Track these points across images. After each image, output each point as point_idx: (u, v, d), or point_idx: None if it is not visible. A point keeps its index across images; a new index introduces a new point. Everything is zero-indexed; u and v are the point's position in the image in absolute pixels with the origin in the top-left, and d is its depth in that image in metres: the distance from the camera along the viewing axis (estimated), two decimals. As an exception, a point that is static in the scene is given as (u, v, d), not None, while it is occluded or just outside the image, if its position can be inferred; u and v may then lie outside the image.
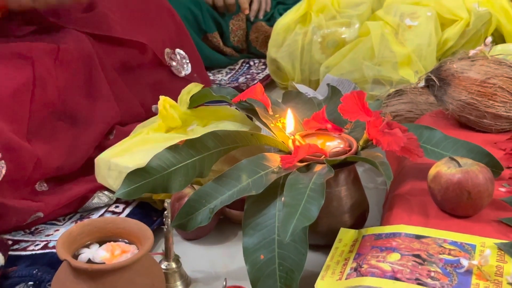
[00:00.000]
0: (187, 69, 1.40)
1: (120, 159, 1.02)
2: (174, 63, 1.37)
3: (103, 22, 1.23)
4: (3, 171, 0.97)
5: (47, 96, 1.07)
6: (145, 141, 1.06)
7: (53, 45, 1.12)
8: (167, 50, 1.36)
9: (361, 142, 0.96)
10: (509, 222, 0.85)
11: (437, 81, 1.12)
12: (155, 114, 1.24)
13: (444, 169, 0.88)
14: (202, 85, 1.19)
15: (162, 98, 1.07)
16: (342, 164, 0.94)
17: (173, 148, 0.93)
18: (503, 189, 0.93)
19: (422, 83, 1.19)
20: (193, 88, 1.17)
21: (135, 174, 0.91)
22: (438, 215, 0.88)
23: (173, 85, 1.33)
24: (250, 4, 1.77)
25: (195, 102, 1.13)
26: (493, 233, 0.84)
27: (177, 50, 1.39)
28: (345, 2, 1.58)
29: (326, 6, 1.55)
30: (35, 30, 1.21)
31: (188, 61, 1.40)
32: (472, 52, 1.13)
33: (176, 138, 1.04)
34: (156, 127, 1.10)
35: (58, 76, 1.10)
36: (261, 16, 1.76)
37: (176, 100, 1.14)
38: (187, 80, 1.37)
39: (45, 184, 1.07)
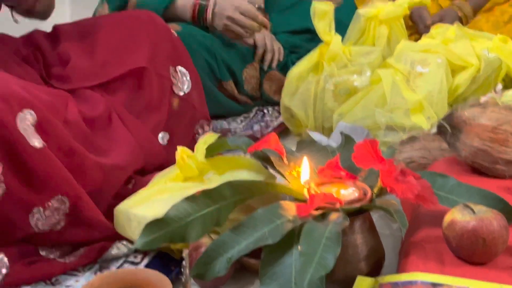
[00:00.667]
0: (187, 87, 1.41)
1: (139, 209, 1.04)
2: (175, 81, 1.39)
3: (98, 68, 1.27)
4: None
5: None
6: (163, 191, 1.08)
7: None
8: (171, 68, 1.39)
9: (375, 190, 0.98)
10: (525, 269, 0.85)
11: (449, 128, 1.14)
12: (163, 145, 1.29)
13: (459, 216, 0.89)
14: (217, 135, 1.21)
15: (179, 148, 1.10)
16: (357, 212, 0.96)
17: (190, 198, 0.95)
18: (518, 235, 0.93)
19: (434, 130, 1.21)
20: (209, 138, 1.20)
21: (154, 225, 0.92)
22: (453, 262, 0.89)
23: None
24: (264, 54, 1.81)
25: (211, 152, 1.16)
26: (509, 280, 0.84)
27: (178, 67, 1.41)
28: (356, 50, 1.62)
29: (337, 55, 1.59)
30: None
31: (188, 78, 1.42)
32: (483, 99, 1.15)
33: (193, 187, 1.06)
34: (174, 176, 1.12)
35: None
36: (274, 65, 1.80)
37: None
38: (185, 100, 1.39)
39: None
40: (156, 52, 1.35)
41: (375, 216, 1.19)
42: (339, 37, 1.61)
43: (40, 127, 1.05)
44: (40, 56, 1.33)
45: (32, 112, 1.05)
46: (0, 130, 1.01)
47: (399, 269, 0.93)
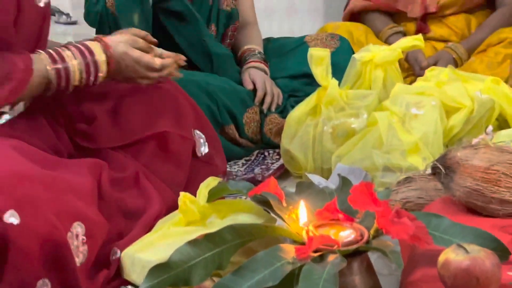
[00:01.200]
0: (204, 149, 1.46)
1: (143, 254, 1.07)
2: (197, 143, 1.44)
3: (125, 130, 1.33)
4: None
5: None
6: (166, 236, 1.11)
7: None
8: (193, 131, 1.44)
9: (372, 231, 1.01)
10: (518, 307, 0.88)
11: (443, 169, 1.17)
12: None
13: (453, 256, 0.91)
14: (220, 179, 1.25)
15: (182, 194, 1.14)
16: (355, 253, 0.99)
17: (193, 242, 0.98)
18: (511, 273, 0.96)
19: (429, 171, 1.25)
20: (211, 182, 1.24)
21: (157, 269, 0.95)
22: (449, 301, 0.91)
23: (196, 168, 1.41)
24: (264, 97, 1.86)
25: (213, 196, 1.19)
26: (503, 318, 0.87)
27: (196, 131, 1.46)
28: (353, 94, 1.67)
29: (335, 98, 1.64)
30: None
31: (204, 140, 1.47)
32: (474, 141, 1.19)
33: (195, 231, 1.09)
34: (177, 221, 1.15)
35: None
36: (273, 108, 1.86)
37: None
38: (205, 162, 1.44)
39: None
40: (180, 117, 1.42)
41: (374, 256, 1.21)
42: (335, 81, 1.66)
43: (87, 236, 1.09)
44: (65, 111, 1.36)
45: (82, 225, 1.09)
46: (53, 248, 1.05)
47: (397, 309, 0.95)
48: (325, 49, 1.65)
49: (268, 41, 2.06)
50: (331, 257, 0.93)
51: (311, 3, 5.35)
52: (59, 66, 1.26)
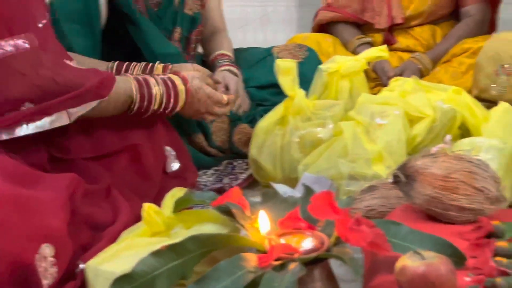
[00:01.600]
0: (174, 166, 1.48)
1: (107, 266, 1.08)
2: (168, 159, 1.46)
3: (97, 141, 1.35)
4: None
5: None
6: (130, 247, 1.12)
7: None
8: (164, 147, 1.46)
9: (332, 239, 1.03)
10: (472, 311, 0.90)
11: (403, 177, 1.20)
12: None
13: (409, 262, 0.94)
14: (185, 189, 1.26)
15: (145, 205, 1.15)
16: (316, 261, 1.01)
17: (156, 253, 0.99)
18: (468, 279, 0.99)
19: (391, 179, 1.27)
20: (177, 192, 1.25)
21: (121, 280, 0.96)
22: (407, 306, 0.94)
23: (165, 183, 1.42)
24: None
25: (178, 207, 1.20)
26: (458, 322, 0.89)
27: (166, 147, 1.47)
28: (320, 104, 1.69)
29: (302, 108, 1.66)
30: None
31: (175, 157, 1.49)
32: (434, 150, 1.22)
33: (160, 242, 1.10)
34: (141, 232, 1.16)
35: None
36: (240, 111, 1.88)
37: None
38: (174, 178, 1.45)
39: None
40: (152, 132, 1.44)
41: (337, 263, 1.23)
42: (302, 91, 1.68)
43: (57, 257, 1.08)
44: None
45: (50, 246, 1.08)
46: (20, 271, 1.04)
47: (357, 315, 0.97)
48: (292, 60, 1.68)
49: (236, 51, 2.09)
50: (291, 266, 0.95)
51: (285, 14, 5.41)
52: (144, 89, 1.38)
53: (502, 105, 1.58)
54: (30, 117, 1.22)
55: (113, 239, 1.20)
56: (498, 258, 1.02)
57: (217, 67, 1.95)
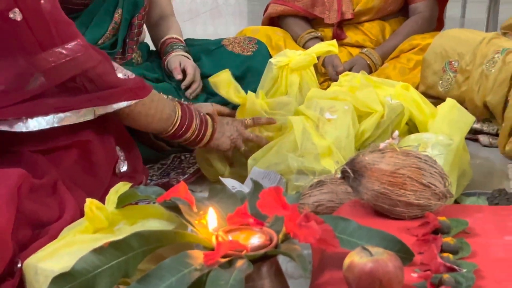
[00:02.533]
0: (123, 167, 1.44)
1: (46, 263, 1.03)
2: (119, 158, 1.42)
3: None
4: None
5: None
6: (71, 244, 1.07)
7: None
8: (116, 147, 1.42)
9: (281, 236, 1.01)
10: (419, 307, 0.90)
11: (352, 172, 1.19)
12: None
13: (357, 258, 0.93)
14: (130, 184, 1.22)
15: (88, 200, 1.10)
16: (264, 258, 0.99)
17: (98, 250, 0.95)
18: (415, 275, 0.99)
19: (340, 174, 1.27)
20: (121, 187, 1.21)
21: (60, 278, 0.92)
22: (354, 303, 0.93)
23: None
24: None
25: (122, 202, 1.16)
26: (405, 318, 0.89)
27: (117, 147, 1.43)
28: (274, 103, 1.69)
29: (256, 111, 1.65)
30: None
31: (124, 158, 1.45)
32: (382, 145, 1.22)
33: (102, 238, 1.06)
34: (83, 228, 1.12)
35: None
36: (193, 96, 1.85)
37: None
38: (122, 178, 1.41)
39: None
40: (104, 131, 1.40)
41: (286, 260, 1.22)
42: (251, 94, 1.67)
43: None
44: None
45: None
46: None
47: (305, 312, 0.96)
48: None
49: (186, 41, 2.05)
50: (239, 263, 0.93)
51: (235, 7, 5.38)
52: (186, 110, 1.49)
53: (449, 102, 1.60)
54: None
55: (54, 236, 1.15)
56: (444, 254, 1.02)
57: (170, 52, 1.91)
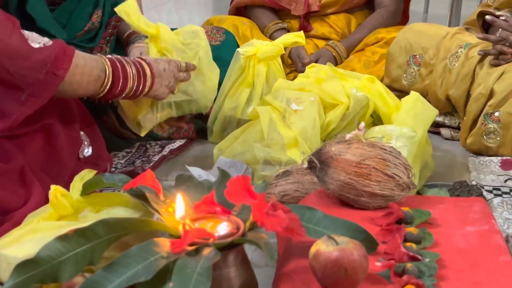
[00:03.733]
0: (87, 152, 1.42)
1: (9, 250, 1.01)
2: (83, 142, 1.40)
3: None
4: None
5: None
6: (35, 231, 1.06)
7: None
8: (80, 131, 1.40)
9: (247, 224, 1.02)
10: (382, 295, 0.92)
11: (318, 163, 1.20)
12: None
13: (323, 247, 0.94)
14: (95, 171, 1.21)
15: (53, 187, 1.09)
16: (231, 246, 0.99)
17: (62, 237, 0.94)
18: (379, 264, 1.00)
19: (306, 165, 1.28)
20: (86, 174, 1.19)
21: (24, 266, 0.90)
22: (320, 291, 0.94)
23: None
24: None
25: (87, 189, 1.15)
26: (369, 306, 0.91)
27: (81, 132, 1.41)
28: (184, 32, 1.68)
29: (172, 39, 1.63)
30: None
31: (89, 143, 1.43)
32: (348, 136, 1.23)
33: (67, 226, 1.05)
34: (47, 216, 1.10)
35: None
36: None
37: None
38: (86, 163, 1.39)
39: None
40: (68, 116, 1.37)
41: (252, 248, 1.23)
42: (163, 25, 1.64)
43: None
44: None
45: None
46: None
47: (270, 300, 0.97)
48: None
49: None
50: (205, 251, 0.93)
51: (200, -4, 5.34)
52: (118, 66, 1.36)
53: (413, 95, 1.62)
54: None
55: (18, 223, 1.13)
56: (407, 244, 1.04)
57: (132, 43, 1.89)
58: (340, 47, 2.28)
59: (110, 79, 1.34)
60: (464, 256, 1.05)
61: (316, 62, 2.21)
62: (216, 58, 1.81)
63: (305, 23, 2.37)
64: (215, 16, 2.41)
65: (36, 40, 1.24)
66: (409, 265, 0.96)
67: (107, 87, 1.35)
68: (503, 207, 1.46)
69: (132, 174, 1.49)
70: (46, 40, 1.26)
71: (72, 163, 1.37)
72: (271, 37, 2.30)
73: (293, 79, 1.77)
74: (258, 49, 1.74)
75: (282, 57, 2.00)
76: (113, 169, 1.62)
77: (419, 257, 1.00)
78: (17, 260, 0.93)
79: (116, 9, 1.58)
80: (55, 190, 1.08)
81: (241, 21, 2.35)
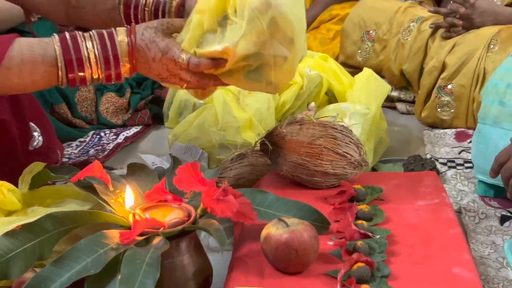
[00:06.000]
0: (37, 143, 1.39)
1: (-45, 250, 0.99)
2: (33, 135, 1.37)
3: None
4: None
5: None
6: (-18, 228, 1.03)
7: None
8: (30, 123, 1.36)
9: (198, 211, 1.01)
10: (333, 274, 0.93)
11: (270, 145, 1.20)
12: None
13: (273, 230, 0.95)
14: (44, 164, 1.18)
15: (-1, 183, 1.06)
16: (183, 233, 0.98)
17: (10, 233, 0.92)
18: (331, 243, 1.01)
19: (259, 147, 1.28)
20: (35, 167, 1.17)
21: (-29, 264, 0.89)
22: (272, 274, 0.95)
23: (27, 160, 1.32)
24: None
25: (36, 183, 1.13)
26: (321, 286, 0.92)
27: (31, 123, 1.38)
28: None
29: None
30: None
31: (39, 134, 1.40)
32: (299, 117, 1.23)
33: (16, 221, 1.02)
34: (-5, 212, 1.08)
35: None
36: None
37: None
38: (36, 154, 1.37)
39: None
40: (17, 107, 1.32)
41: (207, 234, 1.22)
42: None
43: None
44: None
45: None
46: None
47: (224, 286, 0.97)
48: None
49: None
50: (155, 240, 0.92)
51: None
52: (71, 51, 1.04)
53: (366, 71, 1.63)
54: None
55: None
56: (359, 221, 1.05)
57: None
58: (295, 26, 2.27)
59: (65, 74, 1.07)
60: (415, 230, 1.06)
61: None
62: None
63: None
64: None
65: None
66: (359, 243, 0.97)
67: (64, 82, 1.08)
68: (456, 179, 1.48)
69: (86, 164, 1.46)
70: None
71: (24, 156, 1.34)
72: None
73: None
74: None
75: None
76: (66, 159, 1.59)
77: (370, 234, 1.01)
78: (-36, 259, 0.91)
79: None
80: (1, 186, 1.06)
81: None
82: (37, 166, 1.17)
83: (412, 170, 1.48)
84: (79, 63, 1.06)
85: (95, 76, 1.08)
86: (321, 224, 1.03)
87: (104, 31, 1.08)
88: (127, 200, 1.02)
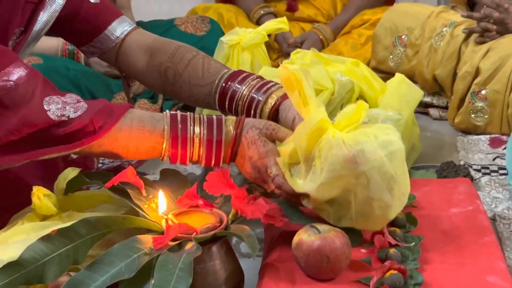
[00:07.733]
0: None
1: (-6, 253, 1.01)
2: None
3: None
4: None
5: None
6: (19, 232, 1.06)
7: None
8: None
9: (230, 216, 1.02)
10: (366, 282, 0.93)
11: None
12: None
13: (305, 236, 0.95)
14: (79, 169, 1.20)
15: (35, 188, 1.08)
16: (215, 239, 0.99)
17: (46, 238, 0.94)
18: (364, 250, 1.01)
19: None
20: (70, 173, 1.19)
21: (8, 268, 0.91)
22: (303, 280, 0.95)
23: None
24: None
25: (71, 188, 1.15)
26: (353, 293, 0.91)
27: None
28: None
29: None
30: None
31: None
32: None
33: (51, 226, 1.04)
34: (31, 216, 1.10)
35: None
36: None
37: None
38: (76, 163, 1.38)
39: None
40: None
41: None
42: None
43: None
44: None
45: None
46: None
47: (256, 291, 0.97)
48: None
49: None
50: (187, 245, 0.93)
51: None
52: (178, 131, 1.06)
53: (398, 77, 1.61)
54: None
55: None
56: (392, 228, 1.04)
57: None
58: (327, 30, 2.27)
59: (167, 155, 1.10)
60: (448, 238, 1.05)
61: (301, 43, 2.20)
62: (202, 49, 1.80)
63: (291, 3, 2.36)
64: (200, 5, 2.40)
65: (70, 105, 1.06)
66: (392, 250, 0.97)
67: (165, 159, 1.11)
68: (491, 186, 1.46)
69: (119, 169, 1.48)
70: (82, 105, 1.06)
71: (63, 166, 1.36)
72: (258, 23, 2.28)
73: (279, 65, 1.76)
74: (242, 38, 1.73)
75: (268, 42, 1.99)
76: (100, 165, 1.62)
77: (401, 242, 1.00)
78: (2, 263, 0.93)
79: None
80: (37, 191, 1.08)
81: (226, 9, 2.34)
82: (72, 172, 1.19)
83: (446, 176, 1.46)
84: (183, 142, 1.08)
85: (195, 158, 1.10)
86: (353, 233, 1.02)
87: (214, 118, 1.09)
88: (160, 205, 1.03)
